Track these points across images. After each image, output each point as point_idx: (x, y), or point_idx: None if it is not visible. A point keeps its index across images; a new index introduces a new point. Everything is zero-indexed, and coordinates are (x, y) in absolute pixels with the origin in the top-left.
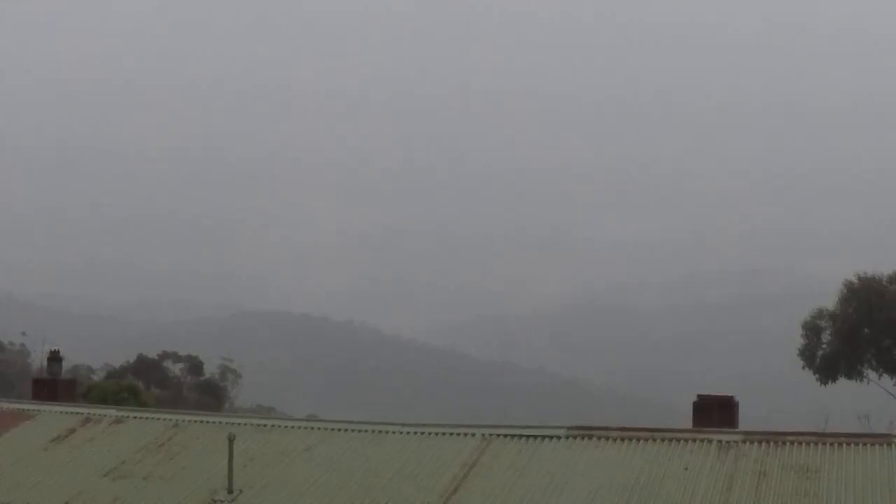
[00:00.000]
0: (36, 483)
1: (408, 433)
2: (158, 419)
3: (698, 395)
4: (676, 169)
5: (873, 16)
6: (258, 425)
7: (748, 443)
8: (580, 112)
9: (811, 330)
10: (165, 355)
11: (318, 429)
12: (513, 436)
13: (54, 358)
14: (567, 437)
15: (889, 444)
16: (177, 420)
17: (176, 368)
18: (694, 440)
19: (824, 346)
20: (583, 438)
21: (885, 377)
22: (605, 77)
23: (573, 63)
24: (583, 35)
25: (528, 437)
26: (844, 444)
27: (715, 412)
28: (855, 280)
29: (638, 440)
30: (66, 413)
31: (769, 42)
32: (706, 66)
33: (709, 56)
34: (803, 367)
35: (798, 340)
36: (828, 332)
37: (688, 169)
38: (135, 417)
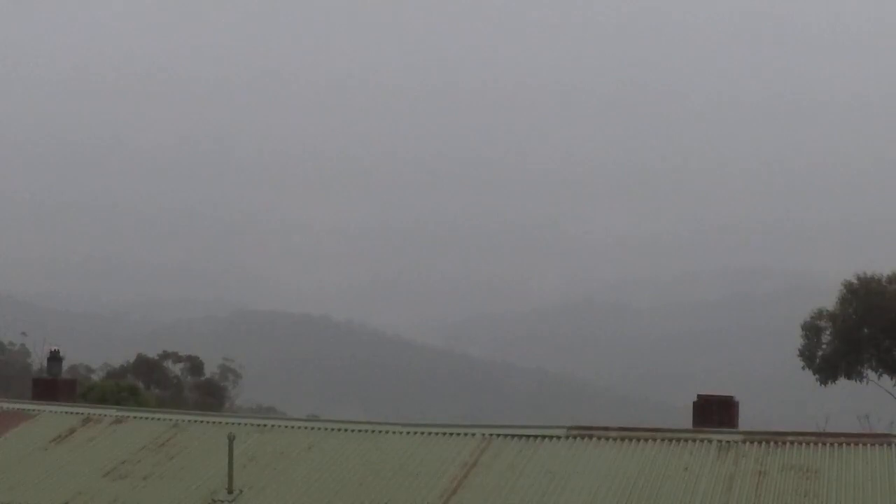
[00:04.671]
0: (36, 483)
1: (408, 433)
2: (158, 419)
3: (698, 395)
4: (675, 167)
5: (872, 15)
6: (258, 425)
7: (748, 443)
8: (579, 110)
9: (811, 330)
10: (165, 355)
11: (318, 429)
12: (513, 436)
13: (54, 358)
14: (567, 437)
15: (889, 444)
16: (177, 420)
17: (176, 368)
18: (694, 440)
19: (824, 346)
20: (582, 438)
21: (885, 377)
22: (602, 74)
23: (571, 61)
24: (583, 30)
25: (528, 437)
26: (844, 444)
27: (715, 412)
28: (855, 280)
29: (638, 440)
30: (66, 413)
31: (768, 40)
32: (705, 64)
33: (708, 53)
34: (803, 368)
35: (797, 340)
36: (827, 332)
37: (687, 167)
38: (135, 417)
